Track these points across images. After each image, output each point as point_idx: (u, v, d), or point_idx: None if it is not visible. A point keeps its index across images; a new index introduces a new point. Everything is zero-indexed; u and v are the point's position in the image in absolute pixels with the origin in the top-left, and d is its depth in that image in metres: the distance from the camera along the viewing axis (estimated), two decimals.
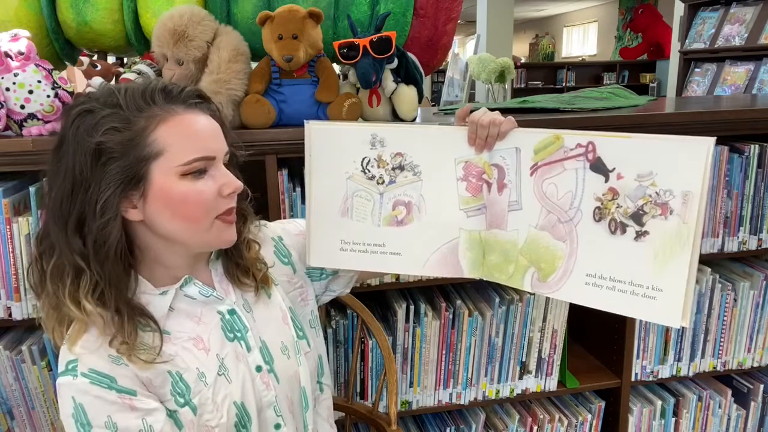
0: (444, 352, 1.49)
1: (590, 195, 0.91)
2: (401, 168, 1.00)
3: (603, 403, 1.67)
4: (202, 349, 0.88)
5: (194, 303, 0.89)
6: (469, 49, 7.69)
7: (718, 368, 1.67)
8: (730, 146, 1.51)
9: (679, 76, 4.05)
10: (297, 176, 1.39)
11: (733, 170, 1.51)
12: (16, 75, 1.16)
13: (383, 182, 1.01)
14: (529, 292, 1.00)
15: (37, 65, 1.19)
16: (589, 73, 8.80)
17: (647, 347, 1.61)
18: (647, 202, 0.87)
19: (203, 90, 1.21)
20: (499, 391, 1.56)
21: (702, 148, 0.83)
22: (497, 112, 0.96)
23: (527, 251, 0.97)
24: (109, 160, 0.78)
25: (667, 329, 1.61)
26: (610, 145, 0.89)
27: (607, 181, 0.90)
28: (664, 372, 1.64)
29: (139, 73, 1.33)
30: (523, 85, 8.63)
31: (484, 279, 1.01)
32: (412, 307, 1.47)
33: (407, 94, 1.36)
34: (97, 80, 1.31)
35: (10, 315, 1.26)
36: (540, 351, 1.55)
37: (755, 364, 1.69)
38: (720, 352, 1.66)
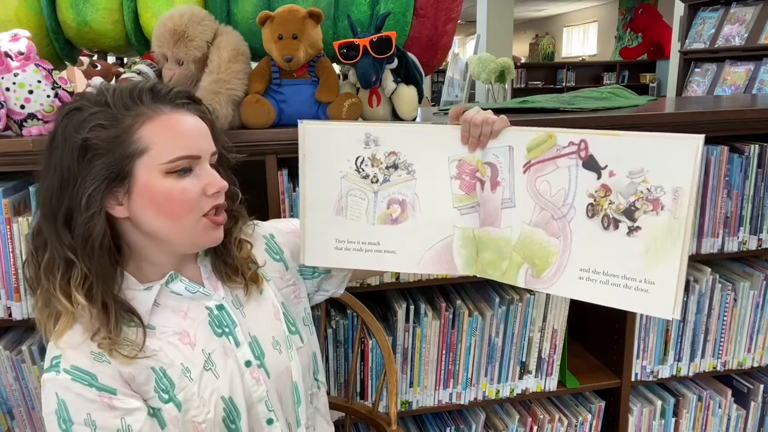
0: (444, 352, 1.49)
1: (583, 192, 0.93)
2: (395, 167, 1.01)
3: (603, 403, 1.67)
4: (188, 344, 0.88)
5: (180, 298, 0.90)
6: (469, 49, 7.69)
7: (718, 368, 1.67)
8: (730, 146, 1.51)
9: (679, 76, 4.05)
10: (297, 176, 1.39)
11: (733, 170, 1.51)
12: (16, 75, 1.16)
13: (377, 181, 1.01)
14: (522, 288, 1.01)
15: (37, 65, 1.19)
16: (589, 73, 8.80)
17: (647, 347, 1.61)
18: (639, 198, 0.89)
19: (203, 90, 1.24)
20: (499, 391, 1.56)
21: (691, 145, 0.85)
22: (490, 111, 0.97)
23: (521, 248, 0.98)
24: (94, 156, 0.79)
25: (667, 329, 1.61)
26: (602, 142, 0.91)
27: (599, 178, 0.91)
28: (664, 372, 1.64)
29: (139, 73, 1.33)
30: (523, 85, 8.63)
31: (478, 276, 1.02)
32: (412, 307, 1.47)
33: (407, 94, 1.36)
34: (97, 80, 1.30)
35: (10, 315, 1.26)
36: (540, 351, 1.55)
37: (755, 364, 1.69)
38: (720, 352, 1.66)
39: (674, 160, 0.86)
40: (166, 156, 0.81)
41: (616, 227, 0.91)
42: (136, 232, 0.85)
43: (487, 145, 0.97)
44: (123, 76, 1.34)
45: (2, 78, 1.16)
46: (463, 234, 1.01)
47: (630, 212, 0.90)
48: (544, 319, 1.53)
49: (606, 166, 0.91)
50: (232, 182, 0.94)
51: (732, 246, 1.56)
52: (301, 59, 1.26)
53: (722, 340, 1.65)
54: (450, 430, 1.61)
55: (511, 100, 1.86)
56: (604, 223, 0.92)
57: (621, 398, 1.64)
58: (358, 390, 1.49)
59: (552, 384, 1.59)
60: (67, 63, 1.56)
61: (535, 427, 1.63)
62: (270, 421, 0.93)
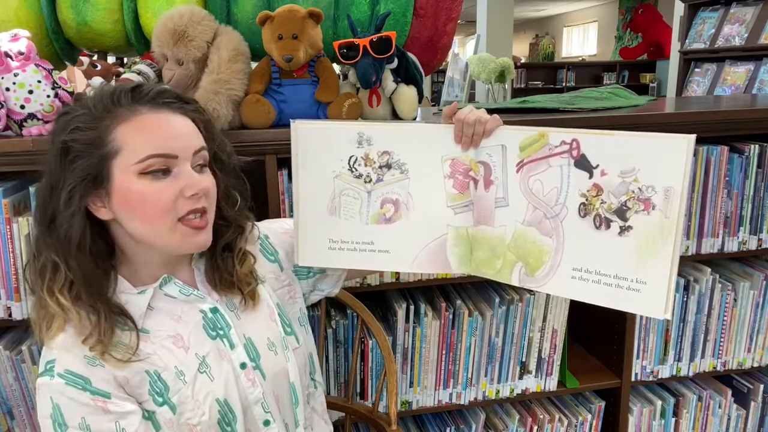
0: (444, 352, 1.49)
1: (575, 191, 0.93)
2: (388, 166, 1.01)
3: (603, 403, 1.67)
4: (181, 347, 0.88)
5: (175, 301, 0.90)
6: (469, 49, 7.68)
7: (718, 368, 1.67)
8: (730, 146, 1.51)
9: (679, 76, 4.05)
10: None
11: (733, 170, 1.51)
12: (16, 75, 1.16)
13: (371, 180, 1.01)
14: (518, 287, 1.01)
15: (37, 65, 1.19)
16: (589, 73, 8.80)
17: (647, 347, 1.61)
18: (630, 197, 0.89)
19: (203, 90, 1.24)
20: (499, 391, 1.56)
21: (682, 145, 0.85)
22: (483, 110, 0.97)
23: (515, 247, 0.98)
24: (74, 159, 0.80)
25: (667, 329, 1.61)
26: (594, 142, 0.91)
27: (591, 177, 0.92)
28: (664, 372, 1.64)
29: (139, 73, 1.33)
30: (523, 85, 8.63)
31: (472, 274, 1.03)
32: (412, 307, 1.47)
33: (407, 94, 1.36)
34: (97, 80, 1.30)
35: (10, 315, 1.26)
36: (540, 351, 1.55)
37: (755, 364, 1.69)
38: (720, 352, 1.66)
39: (665, 160, 0.87)
40: (137, 155, 0.80)
41: (608, 227, 0.91)
42: (124, 234, 0.85)
43: (480, 144, 0.97)
44: (123, 76, 1.34)
45: (2, 78, 1.16)
46: (456, 233, 1.01)
47: (622, 212, 0.90)
48: (544, 319, 1.53)
49: (597, 166, 0.91)
50: (233, 186, 0.93)
51: (732, 246, 1.56)
52: (301, 59, 1.26)
53: (722, 340, 1.64)
54: (450, 430, 1.61)
55: (511, 100, 1.86)
56: (596, 223, 0.92)
57: (621, 398, 1.64)
58: (358, 390, 1.49)
59: (552, 384, 1.58)
60: (67, 63, 1.56)
61: (535, 427, 1.63)
62: (267, 423, 0.92)
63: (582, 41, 11.43)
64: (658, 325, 1.60)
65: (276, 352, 0.95)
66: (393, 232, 1.02)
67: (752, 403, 1.75)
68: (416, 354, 1.48)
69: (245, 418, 0.91)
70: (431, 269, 1.04)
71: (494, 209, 0.99)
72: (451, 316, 1.48)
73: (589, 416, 1.65)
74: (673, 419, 1.72)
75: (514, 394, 1.57)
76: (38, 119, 1.19)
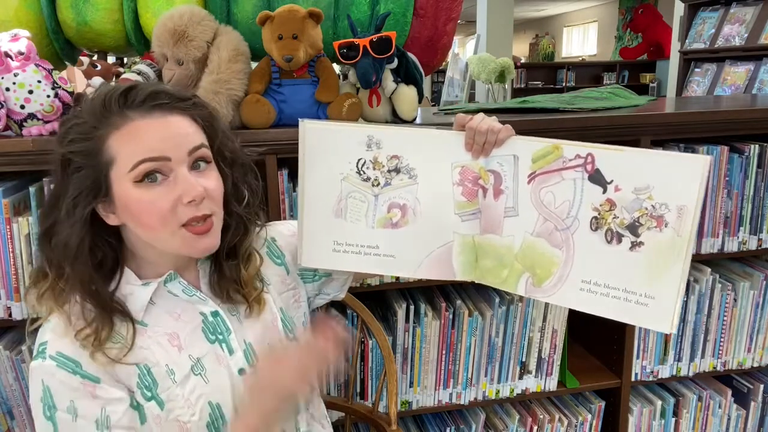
0: (444, 352, 1.49)
1: (588, 205, 0.93)
2: (397, 170, 1.00)
3: (603, 403, 1.67)
4: (176, 346, 0.87)
5: (176, 300, 0.90)
6: (469, 49, 7.68)
7: (718, 368, 1.67)
8: (730, 146, 1.51)
9: (679, 76, 4.05)
10: (297, 176, 1.39)
11: (733, 170, 1.51)
12: (16, 75, 1.16)
13: (378, 184, 1.01)
14: (522, 297, 1.01)
15: (37, 65, 1.19)
16: (589, 73, 8.80)
17: (647, 347, 1.61)
18: (643, 214, 0.90)
19: (203, 90, 1.24)
20: (499, 391, 1.56)
21: (698, 166, 0.86)
22: (495, 118, 0.96)
23: (523, 257, 0.98)
24: (75, 170, 0.80)
25: None
26: (609, 157, 0.91)
27: (604, 192, 0.92)
28: (664, 372, 1.64)
29: (139, 73, 1.34)
30: (523, 85, 8.63)
31: (477, 282, 1.02)
32: (412, 307, 1.47)
33: (407, 94, 1.36)
34: (97, 80, 1.31)
35: (10, 315, 1.26)
36: (540, 351, 1.55)
37: (755, 364, 1.69)
38: (720, 352, 1.66)
39: (680, 179, 0.87)
40: (129, 163, 0.79)
41: (619, 241, 0.92)
42: (133, 235, 0.85)
43: (491, 153, 0.96)
44: (123, 76, 1.34)
45: (2, 78, 1.16)
46: (463, 240, 1.00)
47: (634, 227, 0.90)
48: (544, 319, 1.53)
49: (612, 181, 0.91)
50: (242, 181, 0.91)
51: (732, 246, 1.56)
52: (301, 59, 1.26)
53: (722, 340, 1.64)
54: (450, 430, 1.61)
55: (511, 100, 1.86)
56: (607, 237, 0.92)
57: (621, 398, 1.64)
58: (358, 390, 1.49)
59: (552, 384, 1.58)
60: (67, 63, 1.56)
61: (535, 427, 1.63)
62: None
63: (582, 41, 11.43)
64: None
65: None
66: (399, 236, 1.01)
67: (752, 403, 1.75)
68: (416, 354, 1.48)
69: None
70: (436, 275, 1.03)
71: (503, 218, 0.98)
72: (451, 316, 1.48)
73: (589, 416, 1.65)
74: (673, 419, 1.72)
75: (514, 394, 1.57)
76: (38, 119, 1.19)
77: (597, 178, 0.92)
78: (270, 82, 1.31)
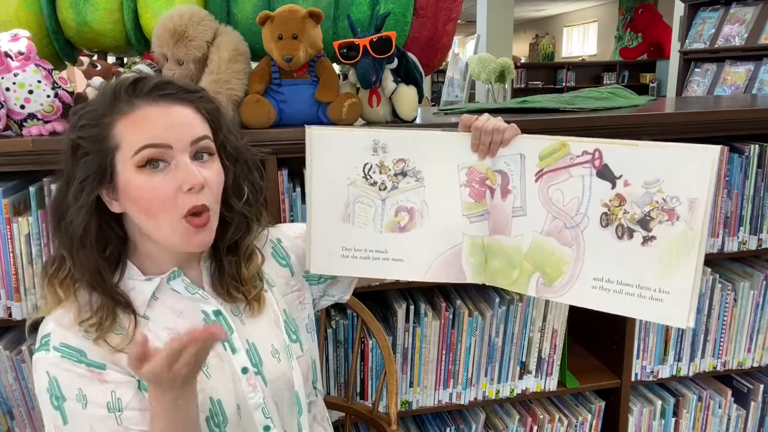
0: (444, 352, 1.49)
1: (597, 201, 0.92)
2: (403, 174, 0.99)
3: (603, 403, 1.67)
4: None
5: (179, 298, 0.90)
6: (469, 49, 7.69)
7: (718, 368, 1.67)
8: (730, 146, 1.51)
9: (679, 76, 4.05)
10: (297, 176, 1.39)
11: (733, 170, 1.51)
12: (16, 75, 1.16)
13: (385, 188, 1.00)
14: (522, 296, 1.01)
15: (37, 65, 1.19)
16: (589, 73, 8.80)
17: (647, 347, 1.61)
18: (654, 208, 0.89)
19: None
20: (499, 391, 1.56)
21: (709, 157, 0.85)
22: (500, 118, 0.96)
23: (532, 256, 0.97)
24: (83, 155, 0.82)
25: (667, 329, 1.61)
26: (617, 152, 0.90)
27: (614, 187, 0.91)
28: (664, 372, 1.64)
29: (139, 74, 1.33)
30: (523, 85, 8.63)
31: (487, 284, 1.01)
32: (412, 307, 1.47)
33: (407, 94, 1.36)
34: (97, 80, 1.30)
35: (10, 315, 1.26)
36: (540, 351, 1.55)
37: (755, 364, 1.69)
38: (720, 352, 1.66)
39: (691, 171, 0.86)
40: (133, 148, 0.80)
41: (631, 237, 0.90)
42: (135, 226, 0.86)
43: (497, 153, 0.96)
44: (123, 76, 1.33)
45: (2, 78, 1.16)
46: (472, 242, 1.00)
47: (645, 222, 0.89)
48: (544, 319, 1.53)
49: (621, 176, 0.90)
50: (244, 178, 0.92)
51: (732, 246, 1.56)
52: (301, 59, 1.26)
53: (722, 340, 1.65)
54: (450, 430, 1.61)
55: (511, 100, 1.86)
56: (618, 233, 0.91)
57: (621, 398, 1.64)
58: (358, 390, 1.49)
59: (552, 384, 1.58)
60: (67, 63, 1.56)
61: (535, 427, 1.63)
62: (267, 429, 0.92)
63: (582, 41, 11.44)
64: (658, 325, 1.60)
65: (279, 359, 0.94)
66: (407, 240, 1.01)
67: (752, 403, 1.75)
68: (416, 354, 1.48)
69: (245, 423, 0.90)
70: (445, 278, 1.02)
71: (511, 219, 0.97)
72: (451, 316, 1.48)
73: (589, 416, 1.65)
74: (673, 419, 1.72)
75: (514, 394, 1.57)
76: (38, 119, 1.19)
77: (605, 173, 0.91)
78: (270, 82, 1.31)
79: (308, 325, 1.05)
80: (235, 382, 0.90)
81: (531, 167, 0.95)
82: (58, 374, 0.81)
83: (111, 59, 1.65)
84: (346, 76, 1.39)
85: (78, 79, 1.41)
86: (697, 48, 3.82)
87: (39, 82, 1.18)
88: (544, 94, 1.82)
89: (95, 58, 1.50)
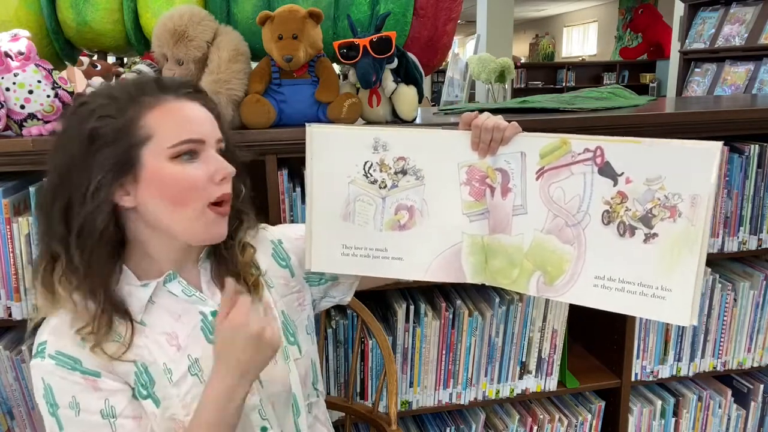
0: (444, 352, 1.49)
1: (598, 199, 0.92)
2: (404, 172, 0.99)
3: (603, 403, 1.67)
4: (174, 346, 0.88)
5: (176, 300, 0.90)
6: (469, 49, 7.69)
7: (718, 368, 1.67)
8: (730, 146, 1.51)
9: (679, 76, 4.05)
10: (297, 176, 1.39)
11: (733, 170, 1.51)
12: (16, 75, 1.16)
13: (385, 186, 1.00)
14: (523, 296, 1.00)
15: (37, 65, 1.19)
16: (589, 73, 8.80)
17: (647, 347, 1.61)
18: (656, 205, 0.88)
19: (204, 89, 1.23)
20: (499, 391, 1.56)
21: (710, 154, 0.85)
22: (501, 117, 0.96)
23: (533, 255, 0.97)
24: (102, 146, 0.80)
25: (667, 329, 1.61)
26: (619, 149, 0.90)
27: (615, 185, 0.90)
28: (664, 372, 1.64)
29: (138, 73, 1.34)
30: (523, 85, 8.63)
31: (487, 284, 1.01)
32: (412, 307, 1.47)
33: (407, 94, 1.36)
34: (97, 80, 1.31)
35: (10, 315, 1.26)
36: (540, 351, 1.55)
37: (755, 364, 1.69)
38: (720, 352, 1.66)
39: (693, 168, 0.86)
40: (170, 140, 0.82)
41: (633, 234, 0.90)
42: (141, 223, 0.85)
43: (497, 151, 0.96)
44: (123, 76, 1.34)
45: (2, 78, 1.16)
46: (472, 241, 0.99)
47: (647, 219, 0.89)
48: (544, 319, 1.53)
49: (622, 173, 0.90)
50: (238, 176, 0.93)
51: (732, 246, 1.56)
52: (301, 59, 1.26)
53: (722, 340, 1.65)
54: (450, 430, 1.61)
55: (511, 100, 1.86)
56: (620, 230, 0.91)
57: (621, 398, 1.64)
58: (358, 390, 1.49)
59: (552, 384, 1.58)
60: (67, 63, 1.56)
61: (535, 427, 1.63)
62: (264, 429, 0.92)
63: (582, 41, 11.43)
64: (658, 325, 1.60)
65: (276, 361, 0.93)
66: (407, 239, 1.01)
67: (752, 403, 1.75)
68: (416, 354, 1.48)
69: (242, 424, 0.89)
70: (445, 278, 1.02)
71: (512, 217, 0.97)
72: (451, 316, 1.48)
73: (589, 416, 1.65)
74: (673, 419, 1.72)
75: (514, 394, 1.57)
76: (38, 119, 1.19)
77: (607, 170, 0.90)
78: (270, 82, 1.31)
79: (307, 327, 1.05)
80: None
81: (532, 165, 0.95)
82: (52, 382, 0.82)
83: (111, 59, 1.65)
84: (346, 76, 1.39)
85: (78, 79, 1.41)
86: (697, 48, 3.82)
87: (39, 82, 1.18)
88: (544, 94, 1.82)
89: (95, 58, 1.51)
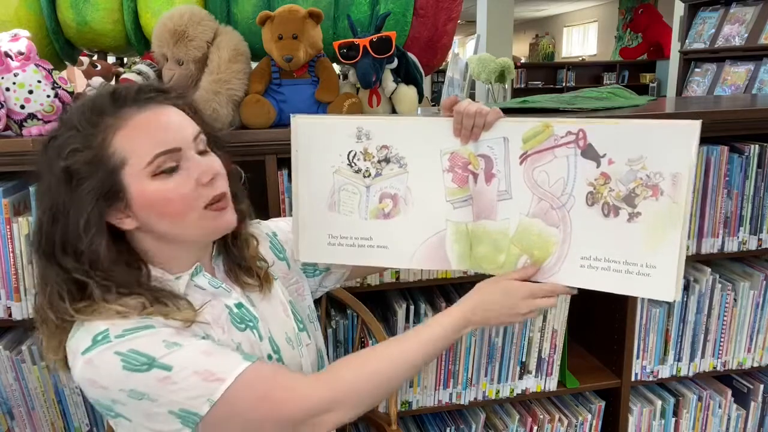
0: (444, 352, 1.49)
1: (582, 181, 0.93)
2: (387, 160, 1.00)
3: (603, 403, 1.67)
4: (220, 327, 0.87)
5: (204, 293, 0.89)
6: (469, 49, 7.69)
7: (718, 368, 1.67)
8: (730, 146, 1.51)
9: (679, 76, 4.05)
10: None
11: (733, 170, 1.51)
12: (16, 75, 1.16)
13: (369, 175, 1.01)
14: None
15: (37, 65, 1.19)
16: (589, 73, 8.79)
17: (647, 347, 1.61)
18: (639, 185, 0.90)
19: (203, 90, 1.24)
20: (499, 391, 1.56)
21: (689, 131, 0.86)
22: (481, 102, 0.96)
23: (519, 240, 0.97)
24: (79, 181, 0.78)
25: (667, 329, 1.61)
26: (600, 131, 0.91)
27: (598, 166, 0.91)
28: (664, 372, 1.64)
29: (139, 73, 1.34)
30: (523, 85, 8.63)
31: (472, 271, 1.02)
32: (412, 307, 1.47)
33: (407, 94, 1.36)
34: (97, 80, 1.31)
35: (10, 315, 1.26)
36: (540, 351, 1.55)
37: (755, 364, 1.69)
38: (720, 352, 1.66)
39: (672, 147, 0.87)
40: (144, 159, 0.78)
41: (617, 214, 0.91)
42: (148, 239, 0.85)
43: (480, 137, 0.96)
44: (123, 76, 1.34)
45: (2, 78, 1.16)
46: (456, 228, 1.00)
47: (630, 199, 0.90)
48: (544, 319, 1.53)
49: (605, 155, 0.91)
50: (231, 163, 0.91)
51: (732, 246, 1.56)
52: (301, 59, 1.26)
53: (722, 340, 1.65)
54: (450, 430, 1.61)
55: (511, 100, 1.86)
56: (604, 211, 0.92)
57: (621, 398, 1.64)
58: None
59: (552, 384, 1.59)
60: (67, 63, 1.56)
61: (535, 427, 1.63)
62: None
63: (582, 41, 11.43)
64: (658, 324, 1.60)
65: (293, 347, 0.96)
66: (391, 227, 1.01)
67: (752, 403, 1.75)
68: None
69: None
70: (430, 265, 1.03)
71: (496, 203, 0.98)
72: None
73: (589, 416, 1.65)
74: (673, 419, 1.72)
75: (514, 394, 1.57)
76: (38, 119, 1.19)
77: (590, 152, 0.91)
78: (270, 82, 1.31)
79: (310, 316, 1.06)
80: None
81: (515, 150, 0.95)
82: (133, 344, 0.75)
83: (111, 59, 1.65)
84: (346, 76, 1.39)
85: (78, 79, 1.41)
86: (697, 48, 3.82)
87: (39, 82, 1.18)
88: (544, 94, 1.82)
89: (95, 58, 1.50)
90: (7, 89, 1.16)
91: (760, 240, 1.57)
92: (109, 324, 0.77)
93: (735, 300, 1.63)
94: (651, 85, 7.86)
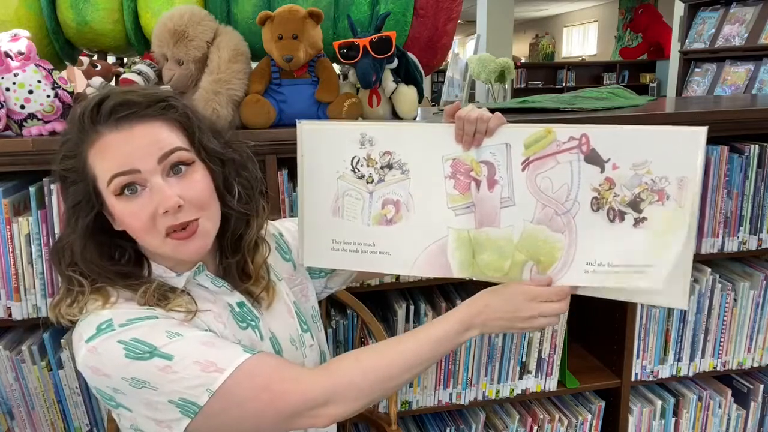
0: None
1: (587, 186, 0.92)
2: (390, 166, 1.00)
3: (603, 403, 1.67)
4: (221, 323, 0.87)
5: (206, 292, 0.90)
6: (469, 49, 7.69)
7: (718, 368, 1.67)
8: (730, 146, 1.51)
9: (679, 76, 4.05)
10: (297, 176, 1.39)
11: (733, 170, 1.51)
12: (16, 75, 1.16)
13: (372, 181, 1.00)
14: None
15: (37, 65, 1.19)
16: (589, 73, 8.79)
17: (647, 347, 1.61)
18: (644, 189, 0.89)
19: (203, 90, 1.23)
20: (499, 391, 1.56)
21: (695, 138, 0.87)
22: (485, 108, 0.95)
23: (524, 246, 0.97)
24: (71, 185, 0.82)
25: (667, 329, 1.61)
26: (604, 136, 0.90)
27: (602, 171, 0.91)
28: (664, 372, 1.64)
29: (139, 73, 1.33)
30: (523, 85, 8.62)
31: (474, 279, 1.00)
32: (412, 307, 1.47)
33: (407, 94, 1.36)
34: (97, 80, 1.30)
35: (10, 315, 1.26)
36: (540, 351, 1.55)
37: (755, 364, 1.69)
38: (720, 352, 1.66)
39: (679, 151, 0.87)
40: (105, 179, 0.79)
41: (622, 219, 0.91)
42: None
43: (482, 143, 0.95)
44: (123, 76, 1.34)
45: (2, 78, 1.16)
46: (458, 235, 0.99)
47: (635, 204, 0.90)
48: None
49: (609, 159, 0.90)
50: (235, 175, 0.89)
51: (732, 246, 1.56)
52: (301, 59, 1.26)
53: (722, 340, 1.65)
54: (450, 430, 1.61)
55: (511, 100, 1.86)
56: (609, 216, 0.91)
57: (621, 398, 1.64)
58: None
59: (552, 384, 1.59)
60: (67, 63, 1.56)
61: (535, 427, 1.63)
62: None
63: (582, 41, 11.43)
64: (658, 324, 1.60)
65: (296, 347, 0.96)
66: (394, 233, 1.01)
67: (752, 403, 1.75)
68: None
69: None
70: (432, 273, 1.02)
71: (500, 209, 0.97)
72: None
73: (589, 416, 1.65)
74: (673, 419, 1.72)
75: (514, 394, 1.57)
76: (38, 119, 1.19)
77: (593, 158, 0.91)
78: (270, 82, 1.31)
79: (314, 317, 1.06)
80: None
81: (517, 156, 0.95)
82: (136, 333, 0.76)
83: (111, 59, 1.65)
84: (346, 76, 1.39)
85: (78, 79, 1.41)
86: (697, 48, 3.82)
87: (39, 82, 1.18)
88: (544, 94, 1.82)
89: (95, 58, 1.50)
90: (7, 89, 1.16)
91: (760, 240, 1.57)
92: (113, 314, 0.79)
93: (735, 300, 1.63)
94: (651, 85, 7.86)
